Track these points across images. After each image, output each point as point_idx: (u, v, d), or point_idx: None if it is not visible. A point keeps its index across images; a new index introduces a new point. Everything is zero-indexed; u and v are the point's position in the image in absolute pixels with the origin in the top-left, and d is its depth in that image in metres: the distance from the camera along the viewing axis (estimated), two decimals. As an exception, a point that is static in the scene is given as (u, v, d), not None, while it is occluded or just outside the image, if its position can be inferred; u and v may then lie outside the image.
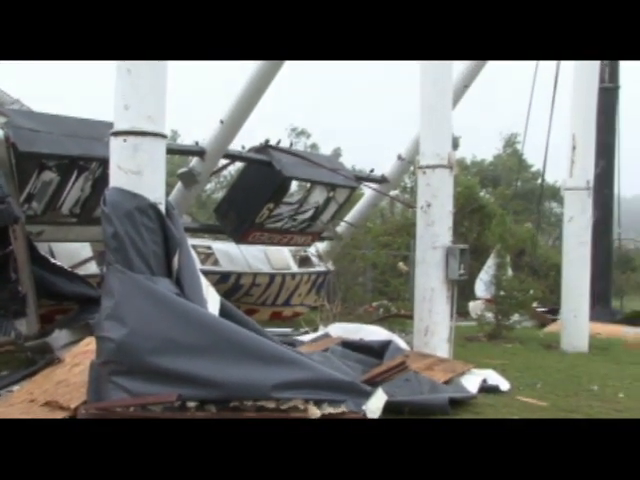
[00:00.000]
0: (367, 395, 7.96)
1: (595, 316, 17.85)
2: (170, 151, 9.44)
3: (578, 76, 15.72)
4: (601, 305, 20.97)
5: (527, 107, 21.75)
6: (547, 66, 19.93)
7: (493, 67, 17.23)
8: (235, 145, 14.95)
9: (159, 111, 7.81)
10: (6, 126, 10.55)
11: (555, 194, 35.60)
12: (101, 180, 10.94)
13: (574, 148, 15.69)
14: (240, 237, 15.83)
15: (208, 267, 15.49)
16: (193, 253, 10.11)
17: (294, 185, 16.53)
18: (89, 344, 8.51)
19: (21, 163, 10.56)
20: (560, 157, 16.68)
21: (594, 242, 16.32)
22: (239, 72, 13.99)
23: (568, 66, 16.37)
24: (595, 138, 16.07)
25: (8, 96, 12.18)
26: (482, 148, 50.31)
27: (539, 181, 31.76)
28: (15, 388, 8.81)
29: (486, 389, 10.25)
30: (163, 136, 7.95)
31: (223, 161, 16.19)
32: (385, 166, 18.30)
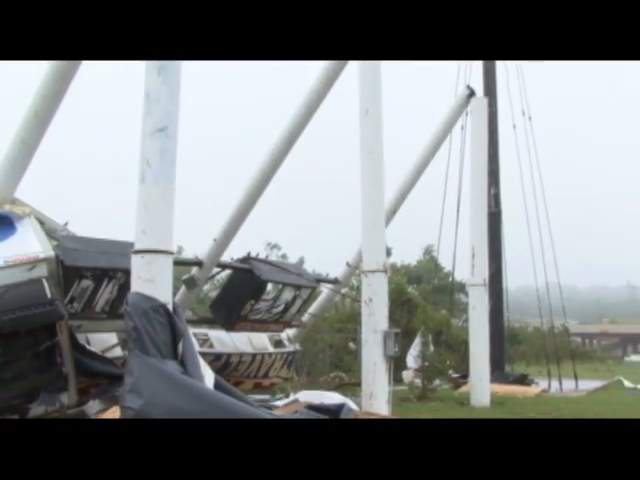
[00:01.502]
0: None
1: (494, 379, 17.81)
2: (176, 263, 9.43)
3: (474, 204, 16.02)
4: (498, 370, 20.94)
5: (439, 226, 22.13)
6: (451, 198, 20.30)
7: (415, 196, 17.51)
8: (225, 257, 14.93)
9: (168, 235, 7.78)
10: (57, 248, 10.49)
11: (462, 288, 35.75)
12: (125, 286, 10.81)
13: (474, 256, 15.84)
14: (229, 326, 15.62)
15: (205, 350, 15.19)
16: (193, 339, 9.96)
17: (269, 286, 16.46)
18: (115, 412, 8.27)
19: (66, 274, 10.42)
20: (464, 262, 16.86)
21: (491, 323, 16.36)
22: (229, 195, 14.10)
23: (467, 198, 16.74)
24: (487, 248, 16.30)
25: (58, 225, 12.12)
26: (408, 255, 50.94)
27: (450, 279, 32.01)
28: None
29: (416, 438, 10.10)
30: (170, 253, 7.90)
31: (216, 269, 16.12)
32: (337, 269, 18.36)
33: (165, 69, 8.03)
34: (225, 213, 13.77)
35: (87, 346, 11.24)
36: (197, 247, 18.86)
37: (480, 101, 16.10)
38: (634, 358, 44.28)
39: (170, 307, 7.77)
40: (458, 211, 20.58)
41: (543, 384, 21.78)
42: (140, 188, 7.74)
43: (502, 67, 23.68)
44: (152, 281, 7.62)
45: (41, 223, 11.43)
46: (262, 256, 17.31)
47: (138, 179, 7.75)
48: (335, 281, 18.84)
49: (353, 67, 11.78)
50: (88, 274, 11.58)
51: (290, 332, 19.54)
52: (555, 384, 22.13)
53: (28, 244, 10.64)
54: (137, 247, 7.81)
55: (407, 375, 19.57)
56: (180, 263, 16.64)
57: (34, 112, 9.40)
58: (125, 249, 9.76)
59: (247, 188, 13.51)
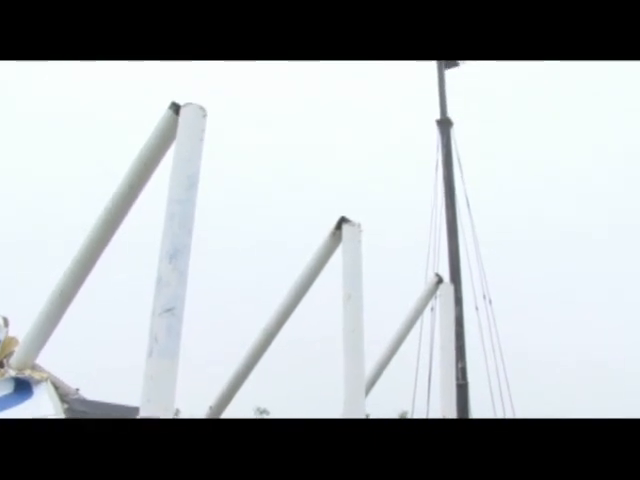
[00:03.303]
0: None
1: None
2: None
3: (443, 376, 15.84)
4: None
5: (412, 395, 21.88)
6: (423, 370, 20.18)
7: (391, 368, 17.33)
8: (219, 422, 14.52)
9: (170, 403, 7.57)
10: (67, 411, 10.29)
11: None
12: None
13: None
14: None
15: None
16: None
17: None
18: None
19: (73, 435, 10.16)
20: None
21: None
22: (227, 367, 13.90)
23: (436, 370, 16.60)
24: (456, 416, 15.96)
25: (71, 389, 11.91)
26: (385, 420, 49.90)
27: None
28: None
29: None
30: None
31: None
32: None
33: (176, 257, 8.23)
34: (221, 384, 13.57)
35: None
36: (194, 408, 18.37)
37: (447, 286, 16.42)
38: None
39: (167, 471, 7.51)
40: (429, 382, 20.48)
41: None
42: (147, 361, 7.69)
43: (465, 255, 24.55)
44: (153, 446, 7.41)
45: (56, 387, 11.21)
46: (253, 420, 16.81)
47: (146, 353, 7.75)
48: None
49: (339, 253, 12.11)
50: (93, 435, 11.25)
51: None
52: None
53: (43, 407, 10.40)
54: (142, 414, 7.63)
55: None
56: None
57: (60, 291, 9.52)
58: (131, 414, 9.55)
59: (238, 368, 13.38)
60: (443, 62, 26.17)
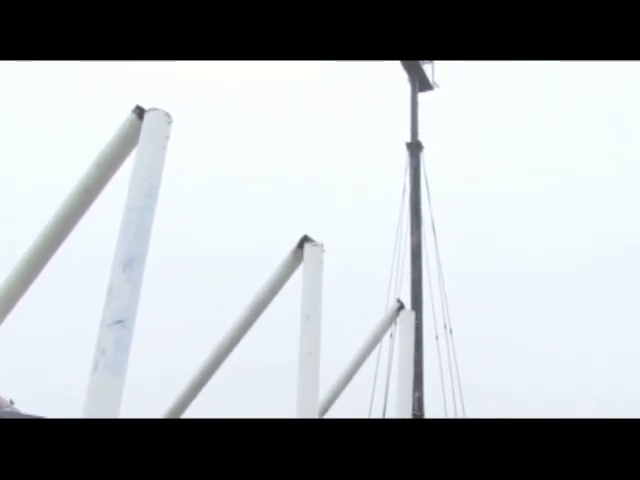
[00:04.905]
0: None
1: None
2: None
3: (400, 406, 15.81)
4: None
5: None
6: (379, 398, 20.13)
7: (345, 395, 17.24)
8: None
9: (113, 422, 7.49)
10: None
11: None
12: None
13: None
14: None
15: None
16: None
17: None
18: None
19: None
20: None
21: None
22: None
23: (392, 400, 16.57)
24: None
25: (5, 401, 11.50)
26: None
27: None
28: None
29: None
30: (113, 440, 7.52)
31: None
32: None
33: (130, 267, 8.04)
34: (168, 402, 13.28)
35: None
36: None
37: (408, 313, 16.45)
38: None
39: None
40: (384, 410, 20.37)
41: None
42: (92, 376, 7.43)
43: (427, 282, 24.66)
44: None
45: (-11, 398, 10.84)
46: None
47: (91, 367, 7.52)
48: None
49: (299, 273, 12.02)
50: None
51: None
52: None
53: (-28, 418, 10.03)
54: (82, 431, 7.40)
55: None
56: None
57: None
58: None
59: (187, 386, 13.03)
60: (417, 85, 26.38)
